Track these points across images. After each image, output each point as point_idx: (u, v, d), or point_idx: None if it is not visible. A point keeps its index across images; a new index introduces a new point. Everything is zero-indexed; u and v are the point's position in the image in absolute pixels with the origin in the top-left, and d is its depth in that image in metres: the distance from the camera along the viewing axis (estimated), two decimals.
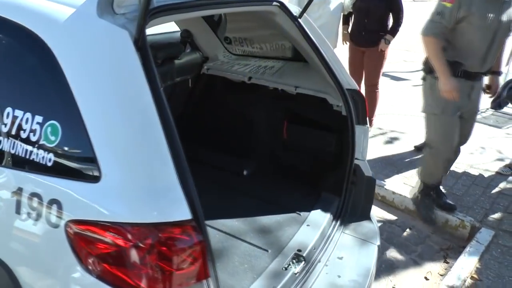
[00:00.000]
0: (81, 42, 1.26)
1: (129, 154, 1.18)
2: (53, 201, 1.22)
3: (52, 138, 1.24)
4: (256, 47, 2.52)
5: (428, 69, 2.83)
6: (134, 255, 1.14)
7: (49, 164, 1.24)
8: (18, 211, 1.28)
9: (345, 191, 2.26)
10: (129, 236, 1.14)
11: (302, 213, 2.19)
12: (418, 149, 4.04)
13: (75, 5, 1.31)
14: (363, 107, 2.20)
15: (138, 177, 1.17)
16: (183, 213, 1.15)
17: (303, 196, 2.33)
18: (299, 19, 2.07)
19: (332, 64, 2.15)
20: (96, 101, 1.21)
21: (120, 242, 1.14)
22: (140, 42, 1.25)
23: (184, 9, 1.44)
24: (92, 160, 1.18)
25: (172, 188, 1.16)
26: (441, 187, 3.23)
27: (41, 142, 1.26)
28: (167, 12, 1.39)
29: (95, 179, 1.17)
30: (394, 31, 3.99)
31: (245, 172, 2.49)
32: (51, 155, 1.24)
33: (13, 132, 1.31)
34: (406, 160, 3.95)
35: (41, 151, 1.26)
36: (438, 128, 2.91)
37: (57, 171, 1.23)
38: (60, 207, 1.21)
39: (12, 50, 1.37)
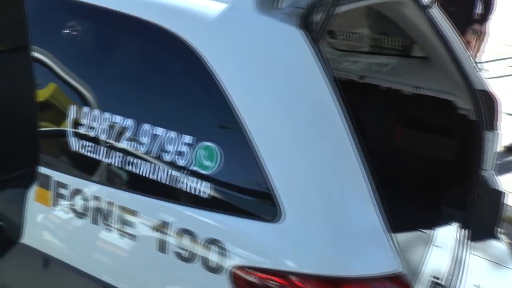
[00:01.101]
0: (240, 44, 1.03)
1: (318, 186, 0.95)
2: (212, 241, 1.00)
3: (208, 163, 1.02)
4: (366, 41, 2.26)
5: None
6: None
7: (205, 195, 1.02)
8: (161, 249, 1.08)
9: (470, 205, 2.00)
10: None
11: (426, 231, 1.94)
12: (509, 149, 3.70)
13: (225, 0, 1.09)
14: (495, 111, 1.92)
15: (331, 216, 0.94)
16: (390, 263, 0.92)
17: (421, 209, 2.07)
18: (429, 10, 1.81)
19: (462, 61, 1.87)
20: (270, 117, 0.98)
21: None
22: (319, 42, 1.03)
23: (347, 2, 1.20)
24: (267, 193, 0.95)
25: (374, 231, 0.93)
26: None
27: (192, 168, 1.04)
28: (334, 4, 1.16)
29: (273, 218, 0.95)
30: (483, 20, 3.64)
31: None
32: (207, 185, 1.02)
33: (153, 154, 1.09)
34: (498, 162, 3.61)
35: (192, 179, 1.04)
36: None
37: (217, 205, 1.01)
38: (223, 248, 0.99)
39: (149, 55, 1.14)
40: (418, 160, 2.22)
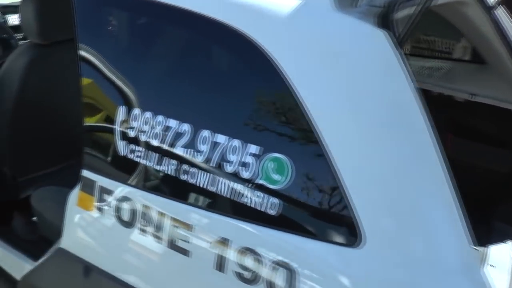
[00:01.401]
0: (315, 44, 0.93)
1: (405, 206, 0.85)
2: (279, 263, 0.90)
3: (277, 177, 0.92)
4: (417, 44, 2.13)
5: None
6: None
7: (272, 212, 0.92)
8: (219, 267, 0.99)
9: None
10: None
11: (479, 248, 1.82)
12: None
13: None
14: None
15: (417, 241, 0.83)
16: None
17: (472, 224, 1.96)
18: (494, 11, 1.68)
19: None
20: (349, 127, 0.88)
21: None
22: (403, 45, 0.93)
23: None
24: (345, 214, 0.85)
25: (465, 258, 0.83)
26: None
27: (258, 181, 0.94)
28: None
29: (351, 242, 0.85)
30: None
31: None
32: (275, 201, 0.92)
33: (213, 163, 1.00)
34: None
35: (258, 194, 0.94)
36: None
37: (285, 224, 0.91)
38: (292, 273, 0.89)
39: (210, 55, 1.06)
40: (470, 172, 2.10)
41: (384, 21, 0.97)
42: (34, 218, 1.93)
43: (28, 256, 1.74)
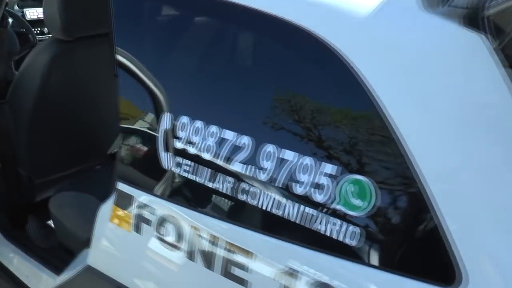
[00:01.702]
0: (401, 48, 0.81)
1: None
2: None
3: (357, 202, 0.80)
4: None
5: None
6: None
7: (352, 242, 0.80)
8: None
9: None
10: None
11: None
12: None
13: None
14: None
15: None
16: None
17: None
18: None
19: None
20: (443, 143, 0.76)
21: None
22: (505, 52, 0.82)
23: None
24: (440, 246, 0.73)
25: None
26: None
27: (335, 206, 0.82)
28: None
29: (448, 282, 0.72)
30: None
31: None
32: (355, 230, 0.80)
33: (279, 183, 0.88)
34: None
35: (334, 221, 0.81)
36: None
37: (367, 257, 0.79)
38: None
39: (276, 58, 0.92)
40: None
41: (472, 23, 0.86)
42: (49, 222, 1.83)
43: (45, 266, 1.63)
